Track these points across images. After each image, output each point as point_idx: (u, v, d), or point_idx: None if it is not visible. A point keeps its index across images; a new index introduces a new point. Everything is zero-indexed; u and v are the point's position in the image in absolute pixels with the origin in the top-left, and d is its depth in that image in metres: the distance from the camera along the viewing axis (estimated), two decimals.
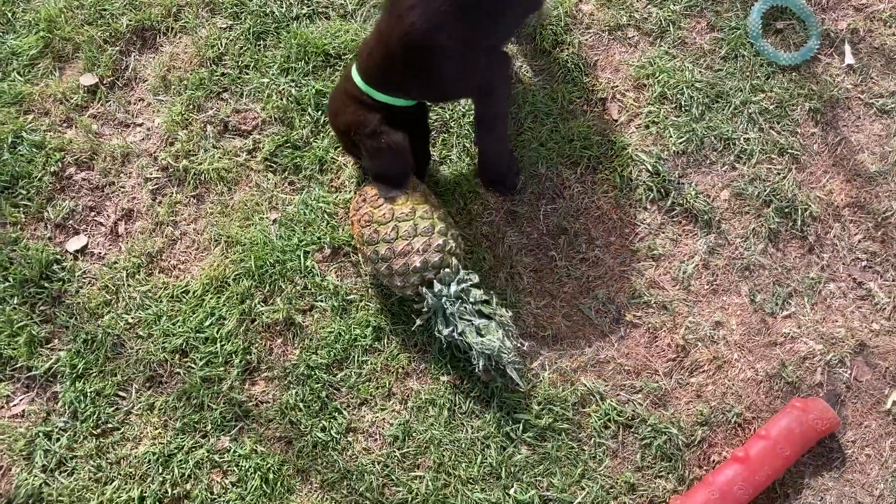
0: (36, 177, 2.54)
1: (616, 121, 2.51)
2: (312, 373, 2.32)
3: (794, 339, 2.29)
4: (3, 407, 2.36)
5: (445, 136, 2.50)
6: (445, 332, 2.20)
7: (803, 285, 2.34)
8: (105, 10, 2.70)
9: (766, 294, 2.34)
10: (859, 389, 2.25)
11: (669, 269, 2.38)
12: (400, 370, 2.32)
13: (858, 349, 2.28)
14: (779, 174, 2.42)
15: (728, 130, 2.45)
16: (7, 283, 2.43)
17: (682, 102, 2.49)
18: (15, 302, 2.42)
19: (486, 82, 2.18)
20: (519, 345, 2.27)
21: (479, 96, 2.24)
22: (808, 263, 2.36)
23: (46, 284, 2.44)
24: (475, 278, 2.25)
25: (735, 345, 2.30)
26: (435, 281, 2.20)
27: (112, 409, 2.34)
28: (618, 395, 2.27)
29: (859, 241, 2.38)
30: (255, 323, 2.38)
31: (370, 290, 2.38)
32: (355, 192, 2.32)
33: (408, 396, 2.30)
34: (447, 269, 2.21)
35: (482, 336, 2.17)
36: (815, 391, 2.25)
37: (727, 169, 2.44)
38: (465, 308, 2.19)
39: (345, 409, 2.29)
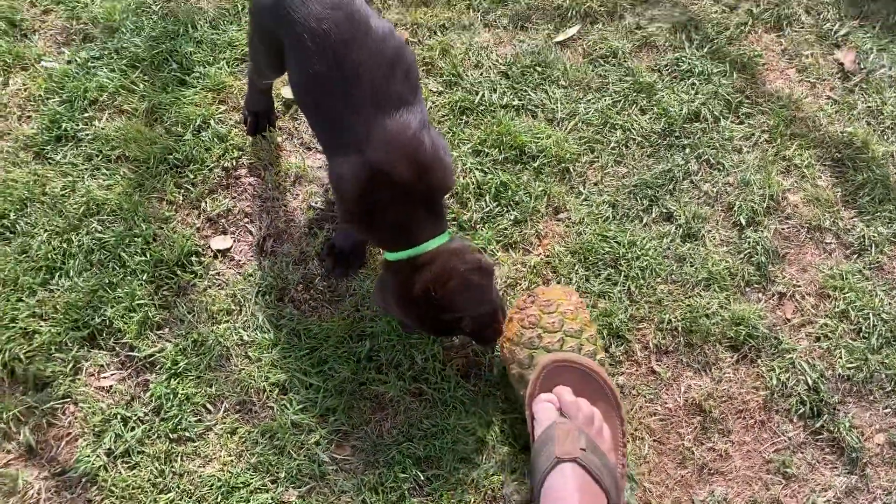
0: (208, 165, 2.54)
1: (789, 320, 2.38)
2: (403, 459, 2.20)
3: None
4: (94, 375, 2.30)
5: (611, 271, 2.41)
6: None
7: None
8: None
9: None
10: None
11: (797, 494, 2.20)
12: (489, 492, 2.19)
13: None
14: None
15: None
16: (143, 258, 2.40)
17: (863, 328, 2.35)
18: (144, 278, 2.38)
19: None
20: None
21: None
22: None
23: (179, 272, 2.41)
24: None
25: None
26: None
27: (195, 418, 2.26)
28: None
29: None
30: (363, 387, 2.29)
31: (493, 397, 2.27)
32: (525, 292, 2.24)
33: None
34: None
35: None
36: None
37: (889, 413, 2.28)
38: None
39: None
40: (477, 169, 2.53)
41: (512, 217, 2.49)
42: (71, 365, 2.30)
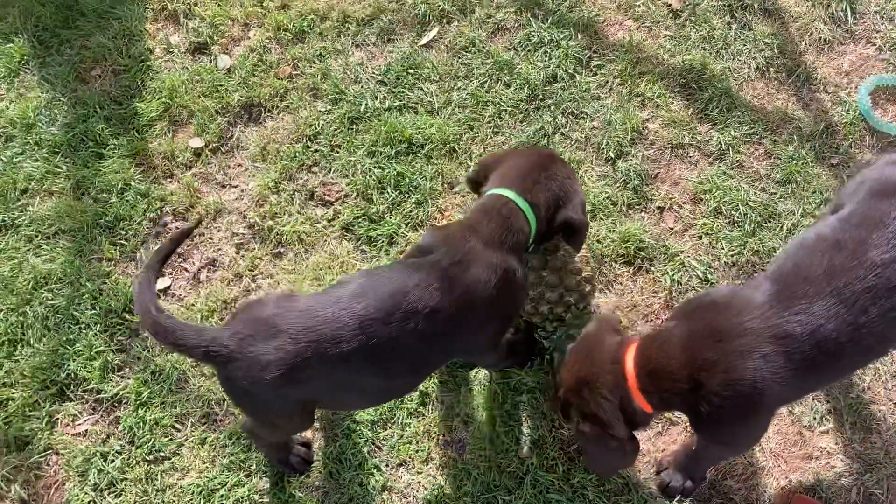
0: (136, 220, 2.81)
1: (672, 229, 2.66)
2: (357, 428, 2.43)
3: (831, 454, 2.31)
4: (69, 424, 2.52)
5: None
6: None
7: (842, 404, 2.37)
8: (221, 85, 3.04)
9: (804, 407, 2.38)
10: None
11: None
12: (441, 437, 2.41)
13: None
14: None
15: (778, 249, 2.58)
16: (94, 311, 2.65)
17: (736, 219, 2.63)
18: (97, 329, 2.63)
19: None
20: None
21: None
22: (850, 384, 2.40)
23: (128, 317, 2.65)
24: None
25: (770, 453, 2.33)
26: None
27: (167, 438, 2.48)
28: (650, 489, 2.30)
29: None
30: None
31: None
32: None
33: (445, 464, 2.38)
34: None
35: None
36: None
37: None
38: None
39: (384, 468, 2.38)
40: (375, 167, 2.82)
41: (413, 200, 2.77)
42: (46, 420, 2.52)
